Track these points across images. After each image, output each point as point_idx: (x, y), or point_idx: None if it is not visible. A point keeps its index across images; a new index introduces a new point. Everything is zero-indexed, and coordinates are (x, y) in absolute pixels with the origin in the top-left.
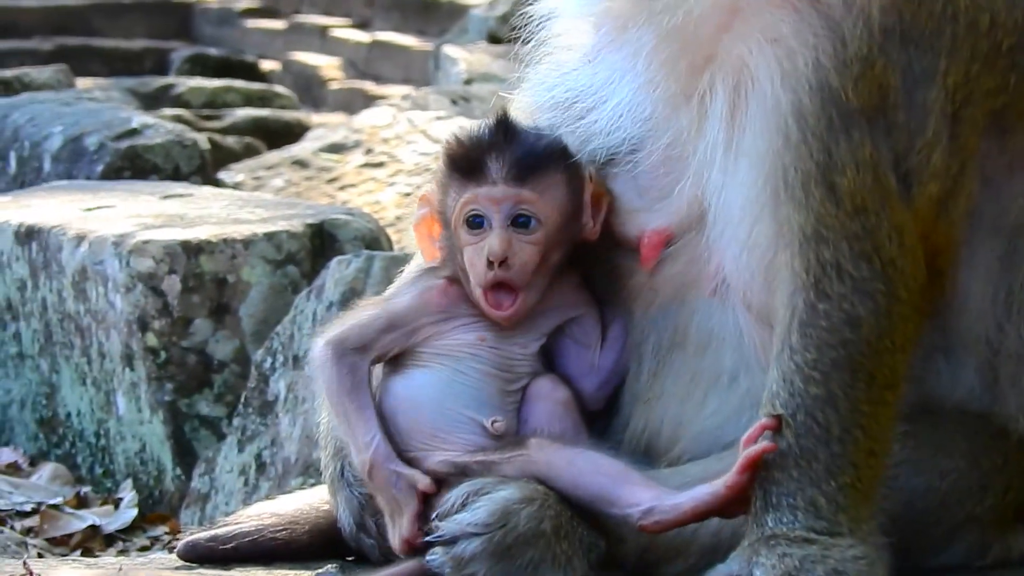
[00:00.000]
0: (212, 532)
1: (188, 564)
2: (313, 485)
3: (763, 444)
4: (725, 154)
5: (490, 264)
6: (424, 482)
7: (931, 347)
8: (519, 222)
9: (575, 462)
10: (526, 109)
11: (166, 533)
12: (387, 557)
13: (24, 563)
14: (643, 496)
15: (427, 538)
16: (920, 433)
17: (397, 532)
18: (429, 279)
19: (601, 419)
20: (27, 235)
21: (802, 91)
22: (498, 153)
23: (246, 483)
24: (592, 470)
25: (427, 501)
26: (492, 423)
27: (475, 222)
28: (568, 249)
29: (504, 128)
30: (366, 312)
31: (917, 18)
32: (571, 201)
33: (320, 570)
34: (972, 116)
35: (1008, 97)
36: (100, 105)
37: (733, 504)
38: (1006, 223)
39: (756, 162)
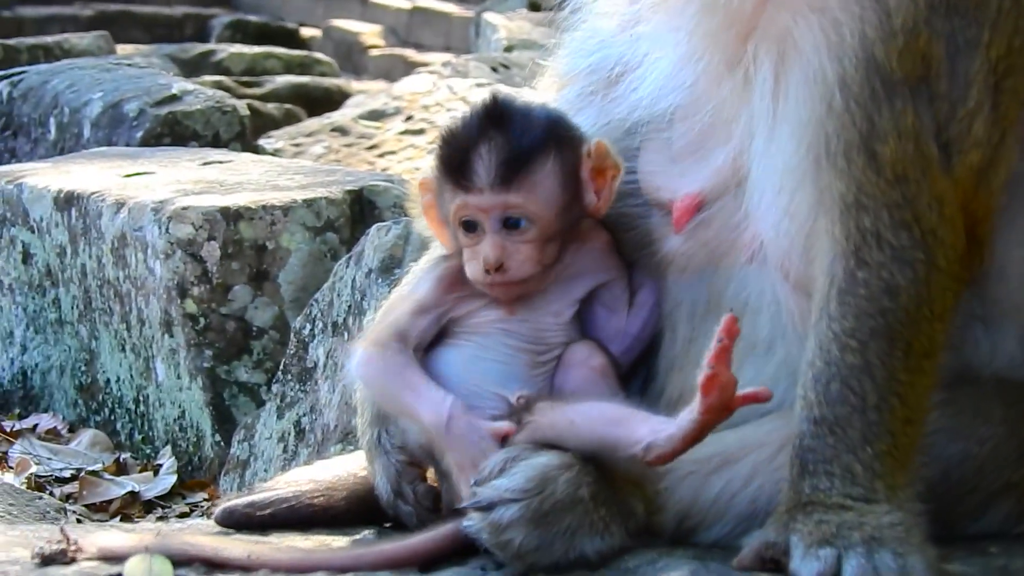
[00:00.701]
0: (250, 498)
1: (226, 530)
2: (352, 451)
3: (716, 347)
4: (767, 122)
5: (487, 271)
6: (508, 427)
7: (970, 315)
8: (510, 224)
9: (575, 420)
10: (560, 76)
11: (205, 499)
12: (424, 523)
13: (61, 529)
14: (640, 433)
15: (464, 504)
16: (958, 400)
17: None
18: (447, 261)
19: (636, 386)
20: (67, 201)
21: (847, 61)
22: (485, 152)
23: (285, 450)
24: (590, 422)
25: None
26: (516, 398)
27: (469, 226)
28: (573, 229)
29: (489, 122)
30: (393, 309)
31: None
32: (566, 187)
33: (357, 536)
34: (1013, 86)
35: None
36: (140, 71)
37: (714, 420)
38: None
39: (798, 130)
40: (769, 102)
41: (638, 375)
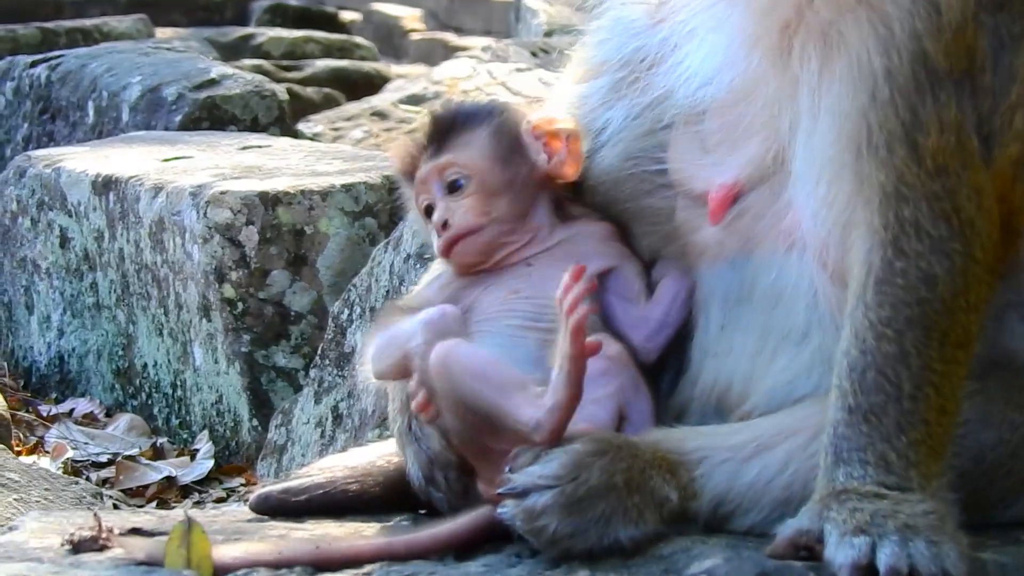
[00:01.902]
0: (285, 485)
1: (260, 516)
2: (389, 437)
3: (579, 310)
4: (809, 112)
5: (437, 234)
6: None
7: (1005, 304)
8: (454, 187)
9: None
10: (589, 64)
11: (242, 485)
12: (457, 510)
13: (95, 515)
14: (526, 414)
15: (499, 490)
16: (991, 387)
17: None
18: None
19: (671, 375)
20: (104, 185)
21: (894, 53)
22: (422, 139)
23: (322, 435)
24: (482, 382)
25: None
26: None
27: (429, 211)
28: (527, 187)
29: (430, 122)
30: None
31: None
32: (500, 143)
33: (389, 523)
34: None
35: None
36: (179, 55)
37: (580, 369)
38: None
39: (839, 120)
40: (812, 92)
41: (670, 366)
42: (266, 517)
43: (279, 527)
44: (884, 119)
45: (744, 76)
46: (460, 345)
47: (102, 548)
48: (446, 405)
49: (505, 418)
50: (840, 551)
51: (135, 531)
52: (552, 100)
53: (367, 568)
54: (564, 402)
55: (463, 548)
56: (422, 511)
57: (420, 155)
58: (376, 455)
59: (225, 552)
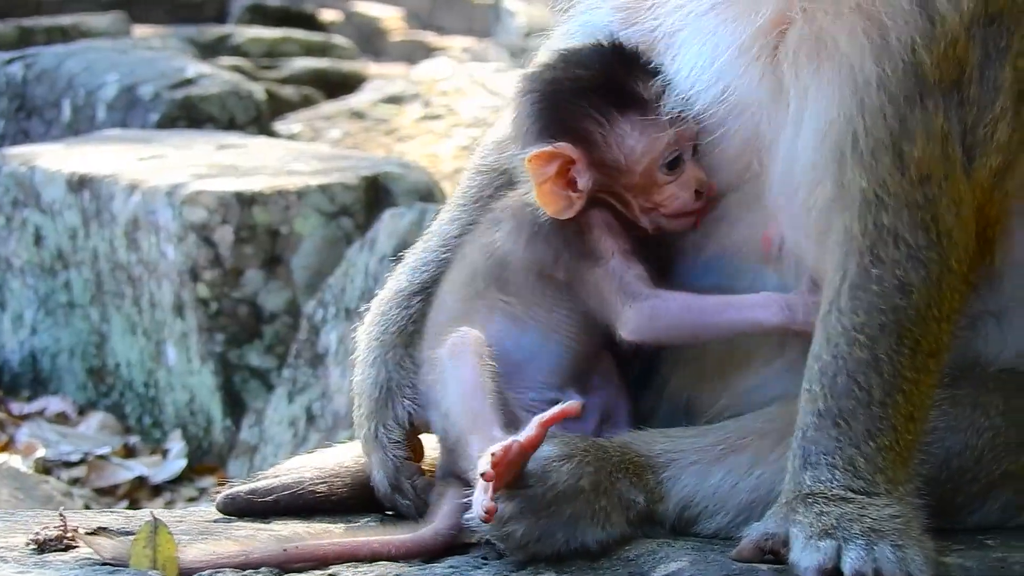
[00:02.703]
0: (252, 485)
1: (227, 517)
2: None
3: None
4: (792, 117)
5: (698, 194)
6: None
7: (982, 310)
8: (695, 151)
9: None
10: None
11: (214, 484)
12: (423, 515)
13: (60, 514)
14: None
15: (466, 497)
16: (958, 392)
17: None
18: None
19: (641, 375)
20: (80, 183)
21: (888, 62)
22: (654, 85)
23: (295, 435)
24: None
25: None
26: None
27: (675, 163)
28: None
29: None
30: None
31: (997, 2)
32: None
33: (357, 524)
34: None
35: None
36: (156, 54)
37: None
38: None
39: (825, 126)
40: (798, 98)
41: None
42: (233, 518)
43: (246, 528)
44: (872, 126)
45: (728, 79)
46: (466, 355)
47: (67, 548)
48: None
49: (462, 446)
50: (806, 555)
51: (101, 530)
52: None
53: (333, 569)
54: (510, 462)
55: (432, 556)
56: (389, 512)
57: (651, 93)
58: (344, 456)
59: (192, 552)
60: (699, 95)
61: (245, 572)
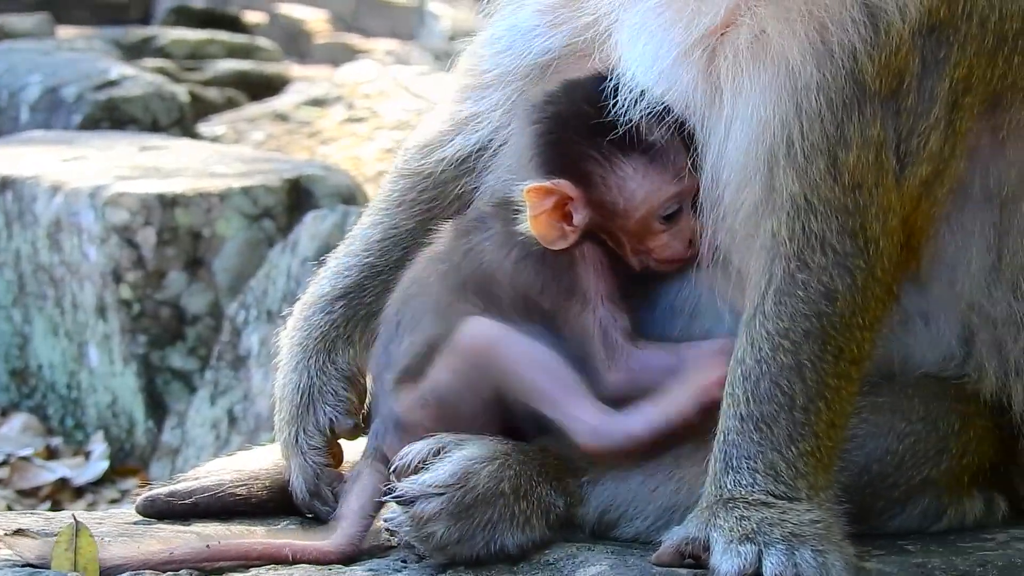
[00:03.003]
0: (171, 488)
1: (148, 519)
2: None
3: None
4: (725, 119)
5: (690, 244)
6: None
7: (912, 312)
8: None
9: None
10: (479, 70)
11: (137, 486)
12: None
13: None
14: (589, 413)
15: (386, 497)
16: (880, 397)
17: None
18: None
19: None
20: (2, 185)
21: (828, 68)
22: (668, 142)
23: (217, 437)
24: (542, 367)
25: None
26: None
27: (673, 216)
28: None
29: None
30: None
31: (939, 13)
32: None
33: (277, 526)
34: (970, 103)
35: (1008, 80)
36: (79, 55)
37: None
38: (998, 193)
39: (758, 129)
40: (731, 100)
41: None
42: (153, 520)
43: (165, 530)
44: (809, 130)
45: (670, 85)
46: (510, 332)
47: None
48: (463, 383)
49: (560, 414)
50: (726, 559)
51: (20, 532)
52: (438, 112)
53: (254, 570)
54: (647, 433)
55: (353, 559)
56: (310, 515)
57: (667, 147)
58: (265, 458)
59: (117, 550)
60: (641, 96)
61: (166, 572)
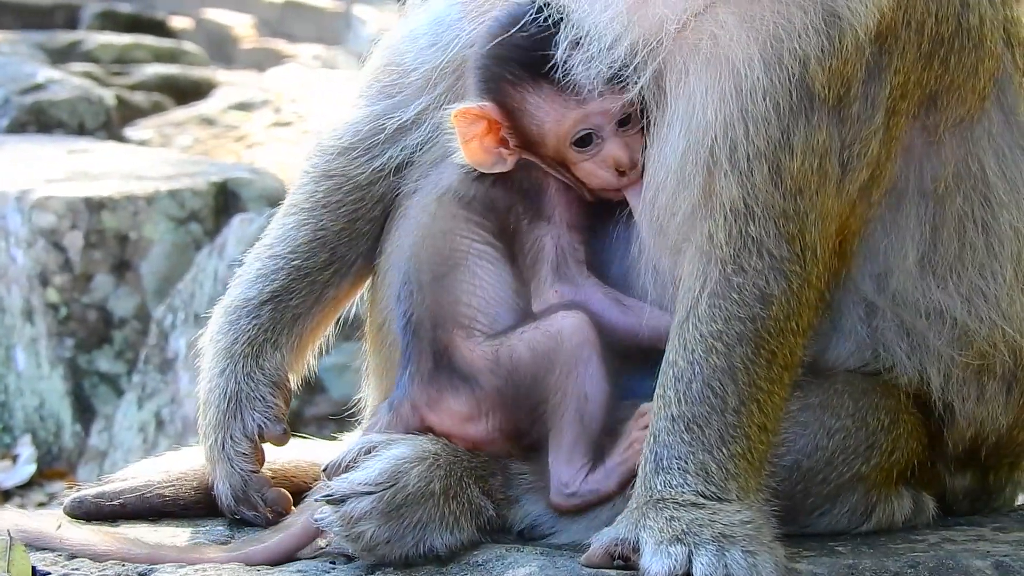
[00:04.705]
0: (99, 489)
1: (76, 521)
2: None
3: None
4: (667, 121)
5: (621, 173)
6: None
7: (840, 310)
8: (623, 122)
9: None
10: (401, 68)
11: (64, 489)
12: (272, 524)
13: None
14: (573, 469)
15: (317, 496)
16: (808, 394)
17: None
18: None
19: None
20: None
21: (777, 72)
22: (575, 53)
23: (145, 440)
24: (588, 398)
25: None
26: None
27: (585, 140)
28: None
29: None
30: None
31: (888, 21)
32: None
33: (205, 527)
34: (906, 108)
35: (945, 80)
36: (5, 59)
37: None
38: (933, 190)
39: (698, 132)
40: (673, 102)
41: None
42: (82, 521)
43: (94, 531)
44: (754, 135)
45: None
46: (599, 347)
47: None
48: (536, 366)
49: (554, 453)
50: (656, 560)
51: None
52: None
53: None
54: (605, 493)
55: (287, 559)
56: (236, 517)
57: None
58: (193, 460)
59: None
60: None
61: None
